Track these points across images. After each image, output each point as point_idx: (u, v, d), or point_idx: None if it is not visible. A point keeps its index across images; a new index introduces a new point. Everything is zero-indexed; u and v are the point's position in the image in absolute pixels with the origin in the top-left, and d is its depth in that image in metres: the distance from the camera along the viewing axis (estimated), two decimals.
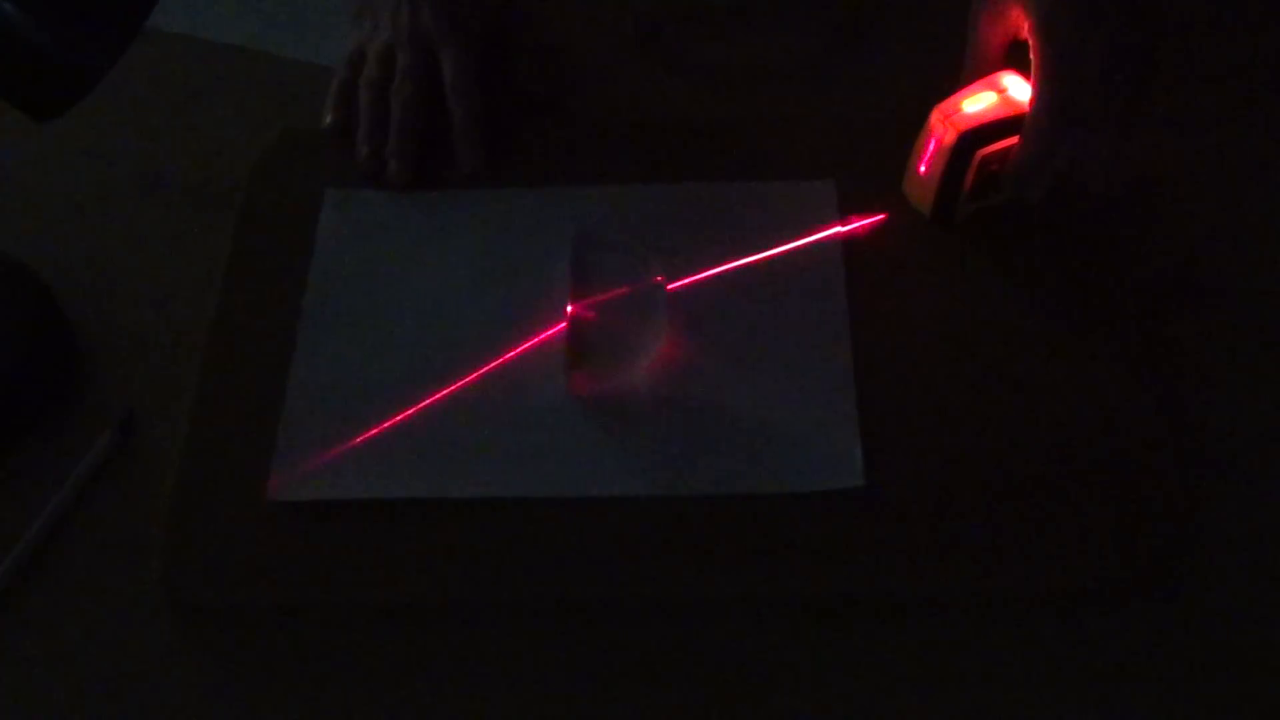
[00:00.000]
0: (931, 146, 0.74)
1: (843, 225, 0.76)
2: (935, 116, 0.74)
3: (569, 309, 0.75)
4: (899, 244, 0.77)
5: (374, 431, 0.72)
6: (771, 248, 0.77)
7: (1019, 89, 0.74)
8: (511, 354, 0.74)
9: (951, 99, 0.74)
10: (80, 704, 0.66)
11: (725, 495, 0.69)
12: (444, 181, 0.81)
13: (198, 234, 0.81)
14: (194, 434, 0.72)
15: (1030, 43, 0.71)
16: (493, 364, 0.74)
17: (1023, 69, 0.73)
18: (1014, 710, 0.64)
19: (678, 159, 0.81)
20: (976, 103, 0.74)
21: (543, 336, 0.74)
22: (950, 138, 0.73)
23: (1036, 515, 0.68)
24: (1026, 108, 0.72)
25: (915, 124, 0.75)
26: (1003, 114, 0.73)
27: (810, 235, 0.76)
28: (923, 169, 0.75)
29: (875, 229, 0.77)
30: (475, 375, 0.73)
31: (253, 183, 0.82)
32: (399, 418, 0.72)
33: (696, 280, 0.76)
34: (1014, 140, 0.73)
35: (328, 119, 0.84)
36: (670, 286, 0.75)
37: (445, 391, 0.73)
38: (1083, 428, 0.70)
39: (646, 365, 0.73)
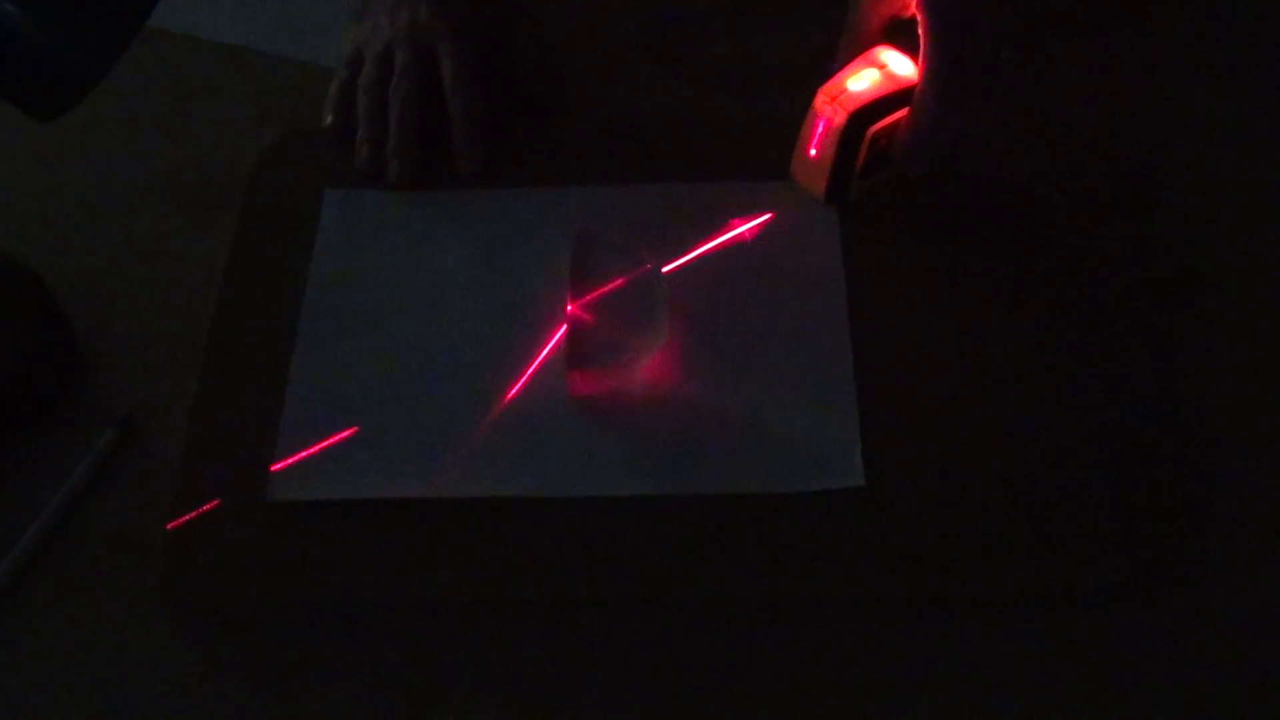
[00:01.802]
0: (820, 129, 0.75)
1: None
2: (820, 99, 0.74)
3: (568, 308, 0.75)
4: (900, 244, 0.77)
5: (373, 431, 0.72)
6: (768, 247, 0.77)
7: (899, 63, 0.74)
8: (511, 354, 0.74)
9: (834, 80, 0.75)
10: (80, 704, 0.66)
11: (725, 495, 0.69)
12: (444, 181, 0.81)
13: (198, 234, 0.81)
14: (194, 434, 0.72)
15: (919, 19, 0.72)
16: (492, 364, 0.74)
17: (897, 44, 0.74)
18: (1014, 710, 0.64)
19: (678, 159, 0.81)
20: (860, 81, 0.74)
21: (542, 336, 0.74)
22: (840, 118, 0.73)
23: (1036, 515, 0.68)
24: (910, 81, 0.73)
25: None
26: (888, 89, 0.74)
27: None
28: (813, 152, 0.76)
29: (881, 230, 0.77)
30: (475, 375, 0.73)
31: (253, 183, 0.82)
32: (399, 418, 0.72)
33: (693, 271, 0.76)
34: (902, 114, 0.74)
35: (328, 119, 0.84)
36: (665, 269, 0.76)
37: (445, 391, 0.73)
38: (1083, 427, 0.70)
39: (649, 359, 0.73)
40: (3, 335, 0.75)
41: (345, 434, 0.71)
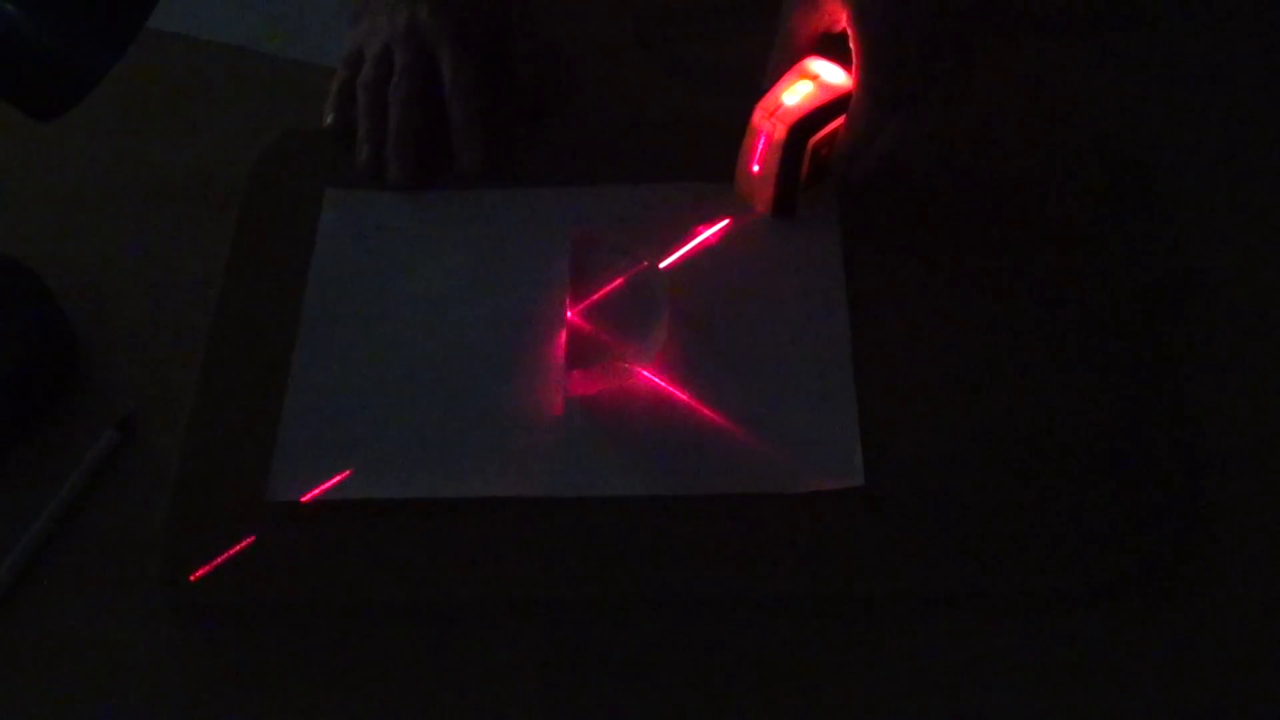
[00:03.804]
0: (761, 145, 0.75)
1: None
2: (758, 115, 0.75)
3: (568, 308, 0.75)
4: (900, 244, 0.77)
5: (374, 431, 0.71)
6: (770, 248, 0.77)
7: (831, 73, 0.75)
8: (511, 354, 0.74)
9: (769, 95, 0.75)
10: (80, 704, 0.66)
11: (725, 495, 0.69)
12: (444, 181, 0.81)
13: (198, 234, 0.81)
14: (194, 434, 0.72)
15: (850, 32, 0.73)
16: (492, 364, 0.74)
17: (827, 55, 0.75)
18: (1013, 710, 0.64)
19: (677, 159, 0.81)
20: (795, 94, 0.75)
21: (542, 336, 0.74)
22: (780, 133, 0.74)
23: (1037, 515, 0.68)
24: (844, 89, 0.74)
25: None
26: (824, 100, 0.74)
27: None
28: (756, 168, 0.76)
29: (881, 230, 0.77)
30: (475, 375, 0.73)
31: (253, 183, 0.82)
32: (399, 418, 0.72)
33: (693, 271, 0.76)
34: (840, 122, 0.75)
35: (328, 119, 0.84)
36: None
37: (445, 391, 0.73)
38: (1083, 427, 0.70)
39: (649, 359, 0.72)
40: (3, 335, 0.75)
41: (345, 434, 0.71)
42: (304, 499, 0.69)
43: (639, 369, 0.73)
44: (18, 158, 0.86)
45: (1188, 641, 0.65)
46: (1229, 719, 0.64)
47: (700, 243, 0.77)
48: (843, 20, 0.74)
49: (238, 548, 0.68)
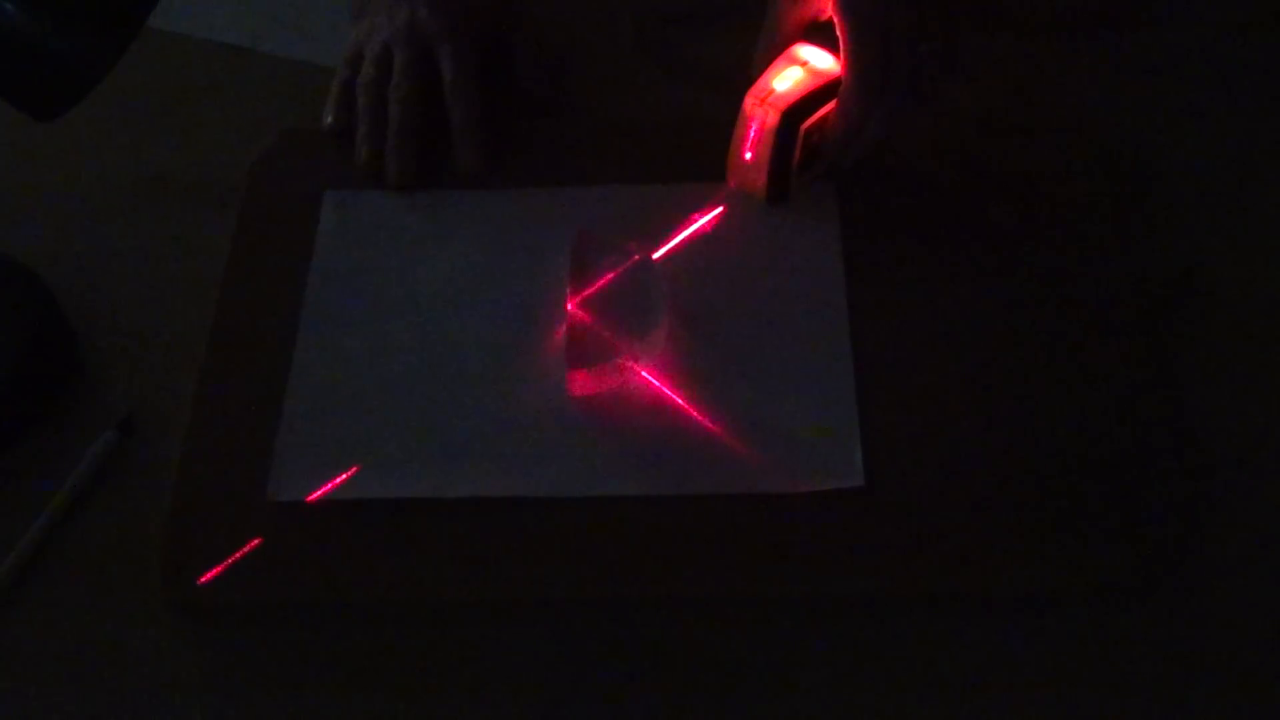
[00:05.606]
0: (753, 131, 0.76)
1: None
2: (749, 102, 0.75)
3: (568, 308, 0.75)
4: (900, 245, 0.77)
5: (373, 432, 0.71)
6: (769, 247, 0.77)
7: (819, 58, 0.76)
8: (511, 354, 0.74)
9: (759, 82, 0.75)
10: (80, 704, 0.66)
11: (725, 495, 0.69)
12: (444, 181, 0.81)
13: (198, 234, 0.81)
14: (194, 434, 0.72)
15: (836, 20, 0.74)
16: (492, 364, 0.74)
17: (814, 42, 0.76)
18: (1013, 710, 0.64)
19: (677, 159, 0.81)
20: (785, 80, 0.75)
21: (542, 336, 0.74)
22: (773, 119, 0.74)
23: (1037, 515, 0.68)
24: (834, 74, 0.75)
25: None
26: (815, 85, 0.75)
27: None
28: (748, 155, 0.77)
29: (882, 231, 0.77)
30: (475, 375, 0.73)
31: (253, 183, 0.82)
32: (398, 418, 0.72)
33: (693, 271, 0.76)
34: (831, 106, 0.75)
35: (328, 119, 0.84)
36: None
37: (445, 392, 0.73)
38: (1083, 428, 0.70)
39: (649, 359, 0.73)
40: (3, 335, 0.75)
41: (345, 434, 0.71)
42: (309, 498, 0.69)
43: (639, 369, 0.73)
44: (18, 158, 0.86)
45: (1188, 641, 0.65)
46: (1228, 719, 0.64)
47: (694, 231, 0.77)
48: (828, 8, 0.74)
49: (245, 550, 0.68)
